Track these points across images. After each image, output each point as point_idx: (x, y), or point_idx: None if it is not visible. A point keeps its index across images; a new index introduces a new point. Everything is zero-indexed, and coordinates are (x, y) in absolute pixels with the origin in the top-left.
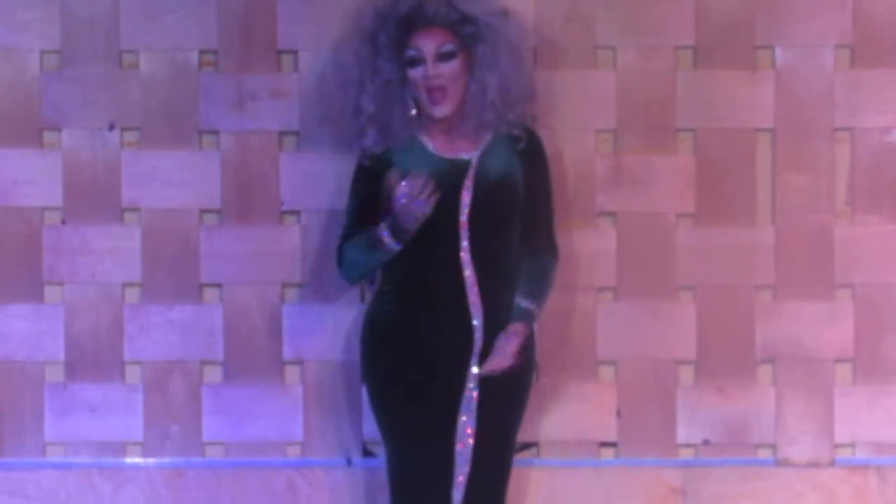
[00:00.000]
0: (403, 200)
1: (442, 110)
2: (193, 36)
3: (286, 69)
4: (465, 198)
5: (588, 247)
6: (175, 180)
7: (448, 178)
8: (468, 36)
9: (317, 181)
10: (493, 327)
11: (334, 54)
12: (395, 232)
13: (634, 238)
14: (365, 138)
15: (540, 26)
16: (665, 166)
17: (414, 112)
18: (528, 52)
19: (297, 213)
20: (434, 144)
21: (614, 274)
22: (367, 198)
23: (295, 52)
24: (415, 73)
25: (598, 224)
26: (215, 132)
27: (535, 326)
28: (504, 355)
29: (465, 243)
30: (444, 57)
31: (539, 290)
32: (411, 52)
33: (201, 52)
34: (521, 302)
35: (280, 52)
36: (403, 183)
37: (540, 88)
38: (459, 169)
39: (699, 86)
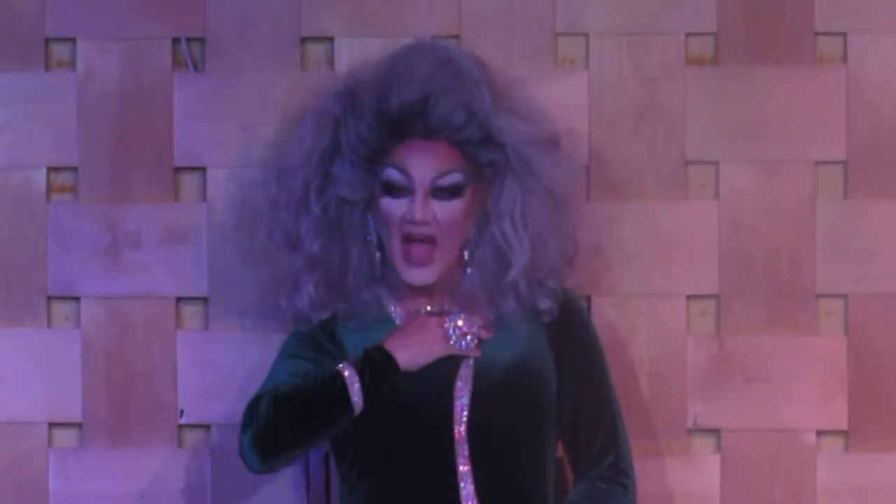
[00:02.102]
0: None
1: (422, 276)
2: (39, 146)
3: (187, 196)
4: (462, 399)
5: (678, 483)
6: (8, 377)
7: (433, 370)
8: (487, 164)
9: (236, 377)
10: None
11: (265, 172)
12: (373, 371)
13: (750, 470)
14: (299, 294)
15: (598, 131)
16: (798, 354)
17: (378, 256)
18: (577, 196)
19: (203, 427)
20: (407, 317)
21: None
22: (310, 361)
23: (202, 170)
24: (390, 206)
25: (693, 447)
26: (73, 299)
27: None
28: None
29: (463, 468)
30: (444, 192)
31: None
32: (391, 174)
33: (52, 171)
34: None
35: (178, 170)
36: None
37: (596, 228)
38: (450, 355)
39: (853, 223)
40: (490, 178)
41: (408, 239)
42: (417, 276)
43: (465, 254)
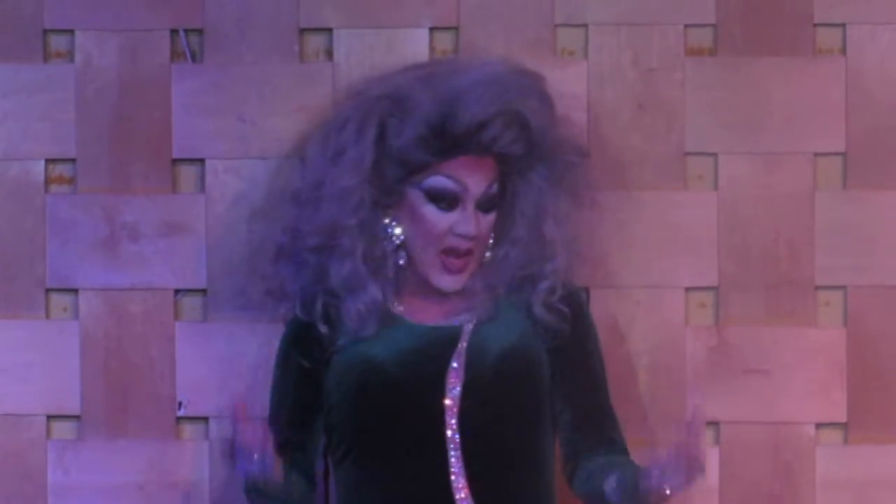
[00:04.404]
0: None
1: (455, 283)
2: (37, 138)
3: (186, 187)
4: (453, 391)
5: None
6: (6, 369)
7: (425, 356)
8: (526, 169)
9: (235, 370)
10: None
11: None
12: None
13: (748, 463)
14: (365, 293)
15: (597, 122)
16: (797, 346)
17: (402, 256)
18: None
19: (202, 419)
20: (405, 306)
21: None
22: (298, 399)
23: (200, 161)
24: (436, 217)
25: None
26: (71, 291)
27: None
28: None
29: (454, 457)
30: (487, 204)
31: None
32: (445, 183)
33: (50, 163)
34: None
35: (177, 162)
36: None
37: (594, 219)
38: (443, 341)
39: (852, 214)
40: (516, 182)
41: (450, 251)
42: (451, 283)
43: (487, 255)
